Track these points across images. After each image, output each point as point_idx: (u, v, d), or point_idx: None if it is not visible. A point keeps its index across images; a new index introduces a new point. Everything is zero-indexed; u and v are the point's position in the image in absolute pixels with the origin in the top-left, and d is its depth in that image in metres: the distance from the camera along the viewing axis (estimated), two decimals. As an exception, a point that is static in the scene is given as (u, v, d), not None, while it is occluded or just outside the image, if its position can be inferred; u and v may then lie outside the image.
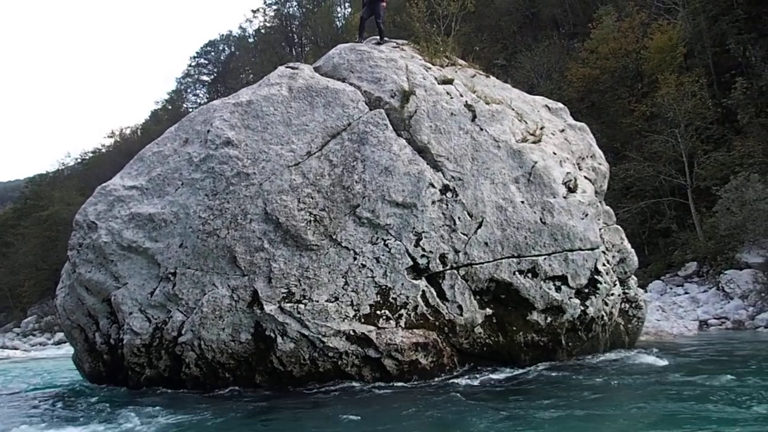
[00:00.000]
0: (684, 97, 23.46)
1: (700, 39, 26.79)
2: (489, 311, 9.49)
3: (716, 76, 26.23)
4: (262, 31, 60.27)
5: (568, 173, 10.44)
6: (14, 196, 66.27)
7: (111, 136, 64.97)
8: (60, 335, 32.87)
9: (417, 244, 9.37)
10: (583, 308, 9.74)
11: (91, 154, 62.58)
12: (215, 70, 65.30)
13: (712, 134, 24.28)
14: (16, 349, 32.15)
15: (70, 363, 12.49)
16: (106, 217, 10.08)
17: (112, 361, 10.21)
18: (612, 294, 10.36)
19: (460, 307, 9.33)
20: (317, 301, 9.00)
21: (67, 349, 24.62)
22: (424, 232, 9.41)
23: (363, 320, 9.03)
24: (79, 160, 62.87)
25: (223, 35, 67.80)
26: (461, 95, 10.63)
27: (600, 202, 11.44)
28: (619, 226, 11.98)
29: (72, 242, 10.53)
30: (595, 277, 9.95)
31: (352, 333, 8.90)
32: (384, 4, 12.23)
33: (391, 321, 9.08)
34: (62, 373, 14.29)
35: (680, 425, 5.58)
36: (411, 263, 9.33)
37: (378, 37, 11.99)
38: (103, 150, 61.86)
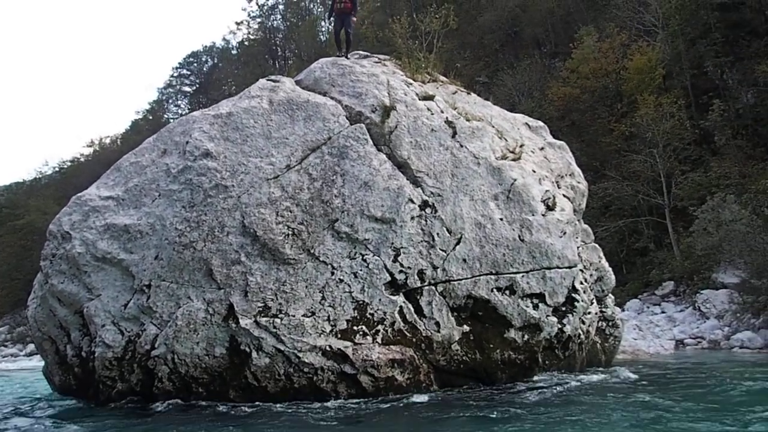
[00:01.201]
0: (662, 117, 23.80)
1: (679, 61, 27.23)
2: (466, 328, 9.45)
3: (694, 98, 26.67)
4: (246, 43, 60.27)
5: (547, 191, 10.48)
6: (-11, 204, 65.10)
7: (90, 146, 64.38)
8: (32, 346, 32.21)
9: (395, 260, 9.33)
10: (560, 326, 9.74)
11: (69, 163, 61.87)
12: (197, 81, 65.04)
13: (690, 155, 24.63)
14: (-14, 360, 31.49)
15: (40, 375, 12.22)
16: (81, 227, 9.92)
17: (83, 374, 10.00)
18: (589, 312, 10.38)
19: (437, 323, 9.29)
20: (293, 316, 8.90)
21: (39, 360, 24.14)
22: (402, 247, 9.38)
23: (339, 336, 8.94)
24: (56, 169, 62.11)
25: (206, 46, 67.63)
26: (442, 111, 10.66)
27: (578, 220, 11.50)
28: (596, 245, 12.05)
29: (45, 252, 10.34)
30: (573, 295, 9.97)
31: (328, 348, 8.81)
32: (354, 18, 12.34)
33: (367, 337, 9.00)
34: (31, 386, 13.97)
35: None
36: (389, 279, 9.28)
37: (360, 52, 12.02)
38: (82, 159, 61.21)
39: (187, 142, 9.91)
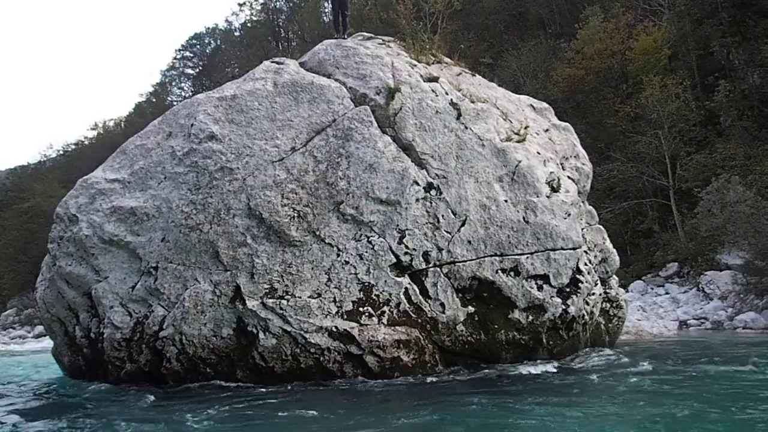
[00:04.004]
0: (668, 98, 23.64)
1: (685, 41, 27.01)
2: (471, 309, 9.52)
3: (700, 79, 26.46)
4: (249, 24, 59.75)
5: (551, 173, 10.50)
6: (-5, 188, 65.19)
7: (94, 128, 64.13)
8: (40, 328, 32.47)
9: (400, 242, 9.38)
10: (564, 307, 9.81)
11: (73, 146, 61.73)
12: (200, 63, 64.59)
13: (695, 136, 24.51)
14: (-6, 342, 31.76)
15: (49, 356, 12.37)
16: (88, 210, 9.99)
17: (92, 355, 10.13)
18: (593, 293, 10.44)
19: (442, 304, 9.36)
20: (300, 297, 8.98)
21: (47, 343, 24.33)
22: (407, 229, 9.42)
23: (345, 317, 9.03)
24: (61, 152, 62.00)
25: (209, 28, 66.90)
26: (446, 93, 10.64)
27: (583, 202, 11.52)
28: (601, 226, 12.07)
29: (52, 235, 10.43)
30: (577, 276, 10.03)
31: (334, 329, 8.90)
32: None
33: (373, 318, 9.09)
34: (40, 367, 14.13)
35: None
36: (394, 260, 9.34)
37: (364, 33, 11.99)
38: (86, 142, 61.02)
39: (192, 125, 9.93)
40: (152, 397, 8.20)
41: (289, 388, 8.50)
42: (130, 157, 10.42)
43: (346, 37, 12.05)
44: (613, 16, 29.60)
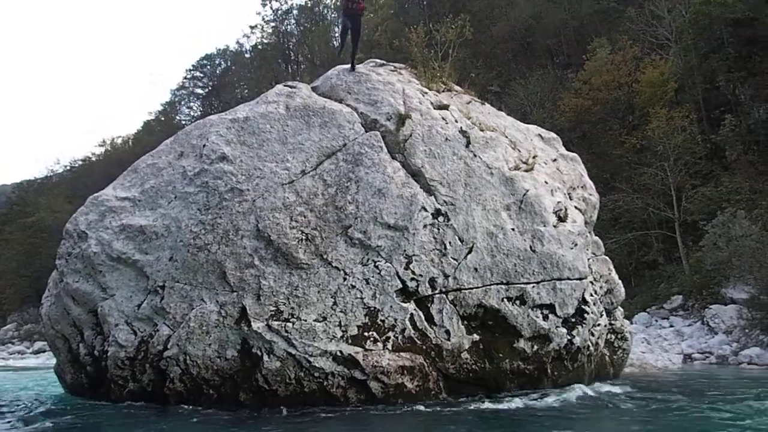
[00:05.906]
0: (674, 131, 23.81)
1: (691, 75, 27.25)
2: (476, 337, 9.50)
3: (706, 112, 26.66)
4: (259, 47, 60.42)
5: (558, 202, 10.54)
6: (0, 202, 65.49)
7: (102, 145, 64.75)
8: (39, 344, 32.45)
9: (407, 267, 9.39)
10: (569, 337, 9.78)
11: (80, 162, 62.24)
12: (210, 83, 65.19)
13: (701, 169, 24.62)
14: (-7, 356, 31.65)
15: (48, 373, 12.30)
16: (97, 227, 10.04)
17: (95, 372, 10.10)
18: (598, 324, 10.41)
19: (447, 331, 9.34)
20: (305, 320, 8.97)
21: (46, 359, 24.26)
22: (414, 255, 9.44)
23: (350, 341, 9.00)
24: (68, 168, 62.48)
25: (219, 49, 67.67)
26: (456, 121, 10.74)
27: (589, 232, 11.53)
28: (607, 257, 12.06)
29: (61, 251, 10.46)
30: (583, 306, 10.01)
31: (338, 354, 8.87)
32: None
33: (378, 343, 9.06)
34: (39, 383, 14.05)
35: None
36: (400, 286, 9.34)
37: (376, 60, 12.11)
38: (93, 158, 61.55)
39: (204, 146, 10.02)
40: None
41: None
42: (141, 175, 10.50)
43: (353, 62, 11.97)
44: (620, 48, 29.92)
